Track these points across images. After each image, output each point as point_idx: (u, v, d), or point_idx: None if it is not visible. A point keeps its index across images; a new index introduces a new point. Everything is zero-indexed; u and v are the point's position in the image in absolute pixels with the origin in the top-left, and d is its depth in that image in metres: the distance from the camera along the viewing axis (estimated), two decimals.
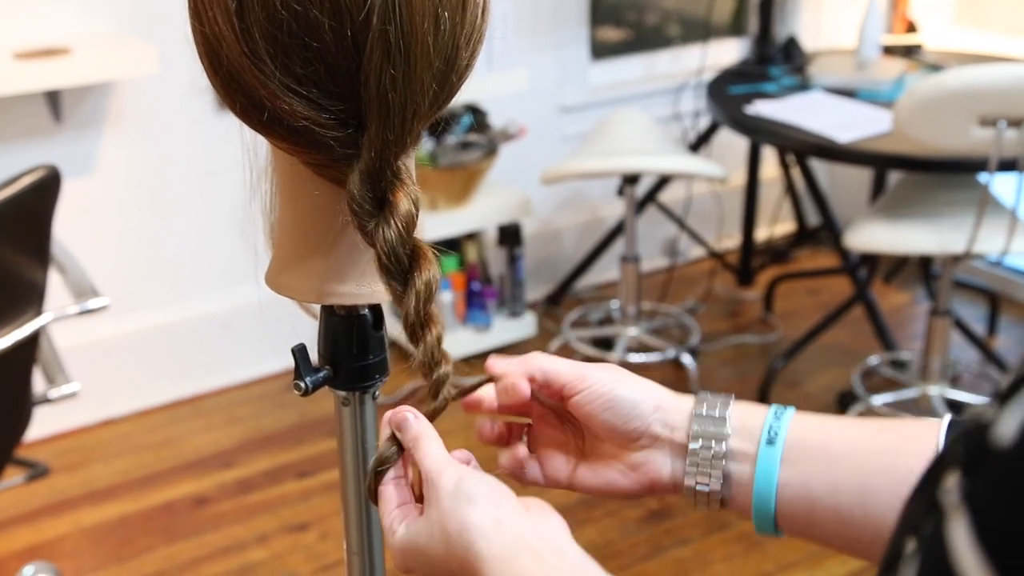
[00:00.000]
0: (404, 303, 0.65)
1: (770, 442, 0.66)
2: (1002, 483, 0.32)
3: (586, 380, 0.69)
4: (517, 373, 0.71)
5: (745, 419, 0.68)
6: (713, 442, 0.67)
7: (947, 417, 0.64)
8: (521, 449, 0.73)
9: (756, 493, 0.66)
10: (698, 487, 0.68)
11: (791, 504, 0.65)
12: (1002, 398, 0.36)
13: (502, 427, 0.74)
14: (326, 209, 0.66)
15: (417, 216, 0.64)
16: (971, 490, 0.34)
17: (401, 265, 0.64)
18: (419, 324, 0.65)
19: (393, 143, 0.61)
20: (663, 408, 0.69)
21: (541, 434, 0.75)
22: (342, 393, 0.74)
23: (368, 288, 0.68)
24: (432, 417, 0.68)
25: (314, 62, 0.59)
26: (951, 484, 0.36)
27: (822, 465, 0.64)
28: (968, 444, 0.36)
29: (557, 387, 0.71)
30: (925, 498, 0.38)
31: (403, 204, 0.63)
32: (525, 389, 0.70)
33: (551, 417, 0.75)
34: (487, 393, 0.73)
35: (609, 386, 0.69)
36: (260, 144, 0.68)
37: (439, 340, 0.67)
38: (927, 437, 0.63)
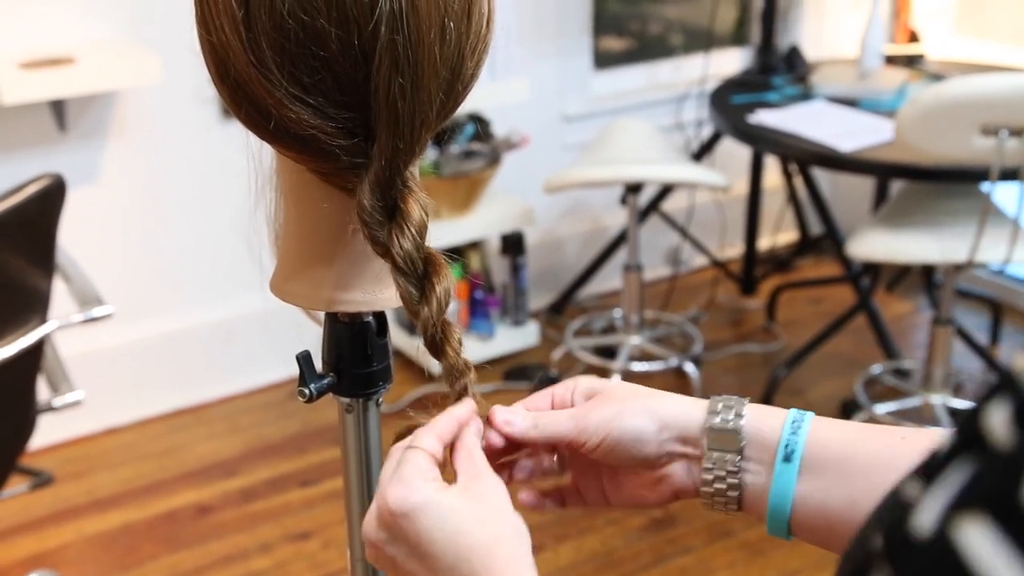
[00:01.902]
0: (422, 313, 0.64)
1: (787, 459, 0.63)
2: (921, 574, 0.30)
3: (585, 432, 0.67)
4: (514, 429, 0.68)
5: (761, 429, 0.65)
6: (728, 457, 0.65)
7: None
8: (541, 499, 0.72)
9: (771, 507, 0.64)
10: (715, 501, 0.66)
11: (808, 517, 0.64)
12: (927, 474, 0.33)
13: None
14: (332, 217, 0.66)
15: (428, 222, 0.64)
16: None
17: (417, 273, 0.64)
18: (439, 333, 0.65)
19: (403, 152, 0.62)
20: (670, 426, 0.66)
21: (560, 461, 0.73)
22: (346, 400, 0.74)
23: (374, 296, 0.69)
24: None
25: (321, 71, 0.59)
26: (877, 552, 0.33)
27: (841, 479, 0.63)
28: (890, 524, 0.34)
29: (561, 445, 0.69)
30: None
31: (415, 211, 0.63)
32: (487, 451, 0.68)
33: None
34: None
35: (607, 428, 0.66)
36: (265, 152, 0.68)
37: (461, 344, 0.67)
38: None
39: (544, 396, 0.71)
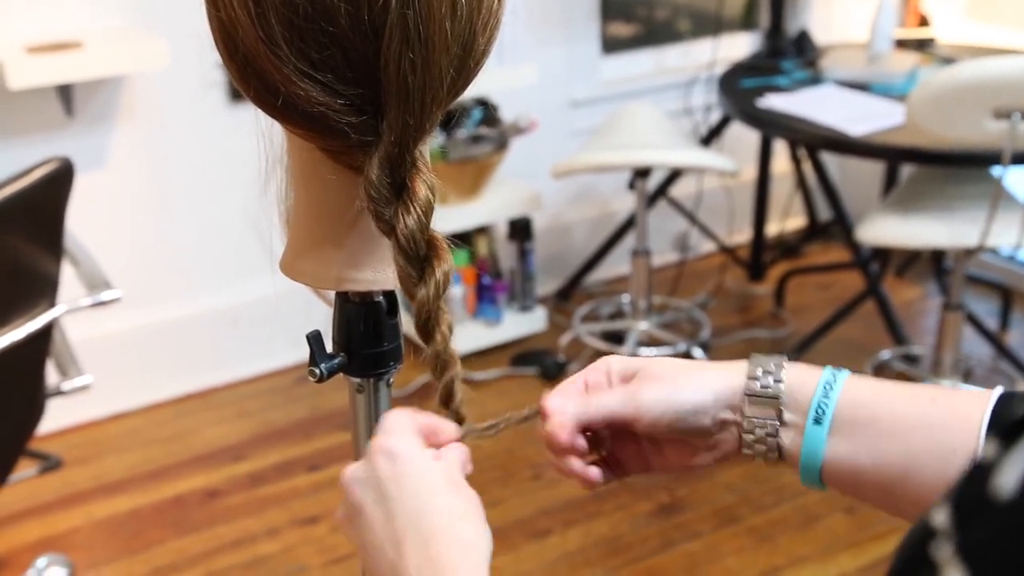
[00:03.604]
0: (418, 293, 0.64)
1: (817, 421, 0.66)
2: (1001, 538, 0.31)
3: (640, 409, 0.67)
4: (567, 418, 0.68)
5: (795, 392, 0.67)
6: (768, 424, 0.67)
7: (998, 389, 0.64)
8: (592, 470, 0.71)
9: (803, 465, 0.67)
10: (755, 459, 0.69)
11: (837, 473, 0.66)
12: (1006, 437, 0.34)
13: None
14: (342, 195, 0.66)
15: (435, 203, 0.64)
16: (967, 543, 0.33)
17: (419, 253, 0.64)
18: (432, 318, 0.65)
19: (413, 128, 0.61)
20: (720, 397, 0.68)
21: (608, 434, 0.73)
22: (356, 380, 0.74)
23: (384, 275, 0.68)
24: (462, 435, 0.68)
25: (330, 47, 0.59)
26: (942, 527, 0.34)
27: (869, 440, 0.65)
28: (965, 489, 0.34)
29: (616, 423, 0.69)
30: (920, 544, 0.36)
31: (422, 191, 0.63)
32: (563, 440, 0.68)
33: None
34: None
35: (665, 405, 0.67)
36: (275, 131, 0.68)
37: (450, 331, 0.66)
38: (974, 413, 0.63)
39: (576, 382, 0.70)
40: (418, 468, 0.62)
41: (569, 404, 0.68)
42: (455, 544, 0.59)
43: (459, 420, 0.69)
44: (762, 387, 0.67)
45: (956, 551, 0.33)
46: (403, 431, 0.64)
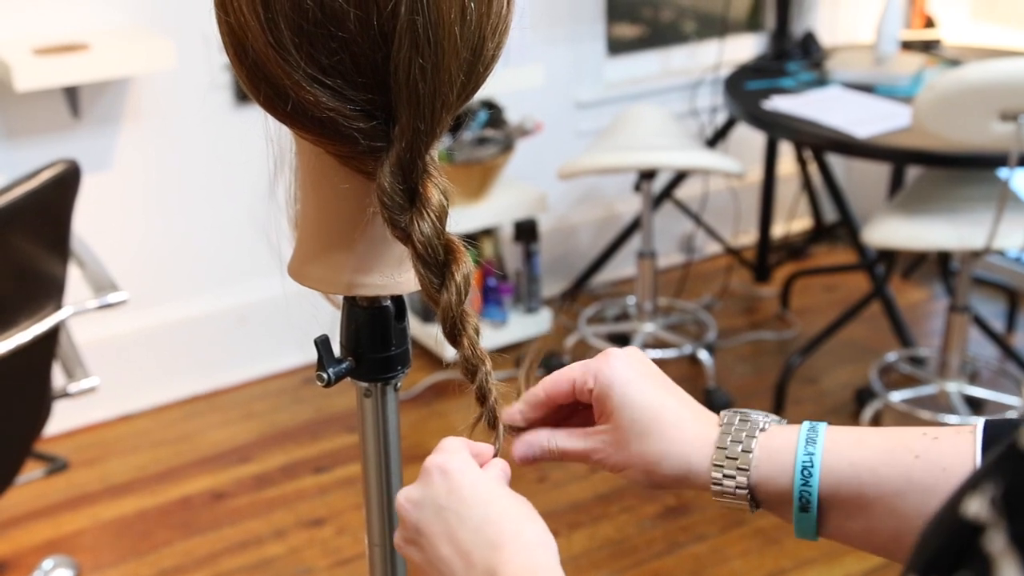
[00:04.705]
0: (441, 299, 0.64)
1: (803, 510, 0.65)
2: None
3: (601, 462, 0.70)
4: (534, 451, 0.72)
5: (768, 485, 0.66)
6: (741, 504, 0.68)
7: (980, 424, 0.63)
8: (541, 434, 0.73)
9: (796, 533, 0.67)
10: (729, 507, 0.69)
11: (829, 536, 0.66)
12: None
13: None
14: (351, 200, 0.66)
15: (448, 207, 0.64)
16: (1021, 533, 0.32)
17: (437, 259, 0.64)
18: (457, 322, 0.65)
19: (424, 134, 0.61)
20: (693, 468, 0.68)
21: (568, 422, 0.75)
22: (364, 384, 0.74)
23: (393, 280, 0.68)
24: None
25: (339, 52, 0.59)
26: (987, 518, 0.34)
27: (855, 512, 0.64)
28: (1011, 479, 0.34)
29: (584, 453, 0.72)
30: (952, 538, 0.36)
31: (435, 196, 0.63)
32: (525, 456, 0.72)
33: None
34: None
35: (644, 472, 0.69)
36: (284, 135, 0.68)
37: (477, 333, 0.66)
38: (963, 460, 0.62)
39: (565, 381, 0.71)
40: (473, 479, 0.63)
41: (542, 436, 0.72)
42: (524, 547, 0.60)
43: (494, 418, 0.69)
44: (728, 487, 0.66)
45: (1010, 541, 0.33)
46: (455, 450, 0.66)
